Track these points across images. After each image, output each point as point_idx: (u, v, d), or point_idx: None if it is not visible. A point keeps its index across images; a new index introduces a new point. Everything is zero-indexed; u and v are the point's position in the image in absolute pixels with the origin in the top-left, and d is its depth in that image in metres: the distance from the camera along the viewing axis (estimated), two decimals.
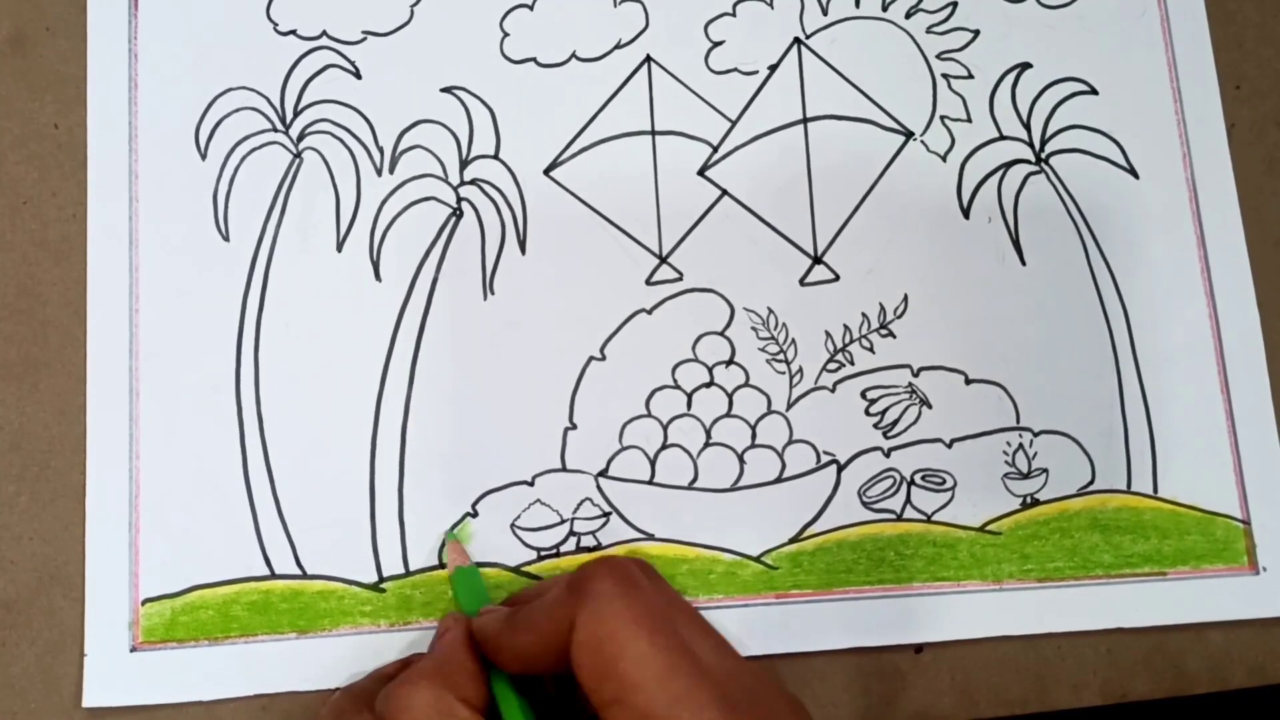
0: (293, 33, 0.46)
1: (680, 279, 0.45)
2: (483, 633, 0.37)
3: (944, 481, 0.45)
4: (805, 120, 0.47)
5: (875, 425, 0.45)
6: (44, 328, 0.44)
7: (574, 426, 0.44)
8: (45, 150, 0.45)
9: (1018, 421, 0.45)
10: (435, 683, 0.35)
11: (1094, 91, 0.48)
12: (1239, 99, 0.48)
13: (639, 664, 0.31)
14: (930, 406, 0.45)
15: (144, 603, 0.42)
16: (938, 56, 0.47)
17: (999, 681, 0.44)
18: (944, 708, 0.44)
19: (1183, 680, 0.44)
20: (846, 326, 0.45)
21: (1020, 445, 0.45)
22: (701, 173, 0.46)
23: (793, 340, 0.45)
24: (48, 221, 0.44)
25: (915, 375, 0.45)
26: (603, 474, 0.44)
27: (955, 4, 0.48)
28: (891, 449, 0.45)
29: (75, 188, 0.45)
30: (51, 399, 0.43)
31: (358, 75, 0.46)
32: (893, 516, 0.44)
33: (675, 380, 0.45)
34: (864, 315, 0.46)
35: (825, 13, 0.47)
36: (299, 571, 0.43)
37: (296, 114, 0.46)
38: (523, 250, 0.45)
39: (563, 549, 0.43)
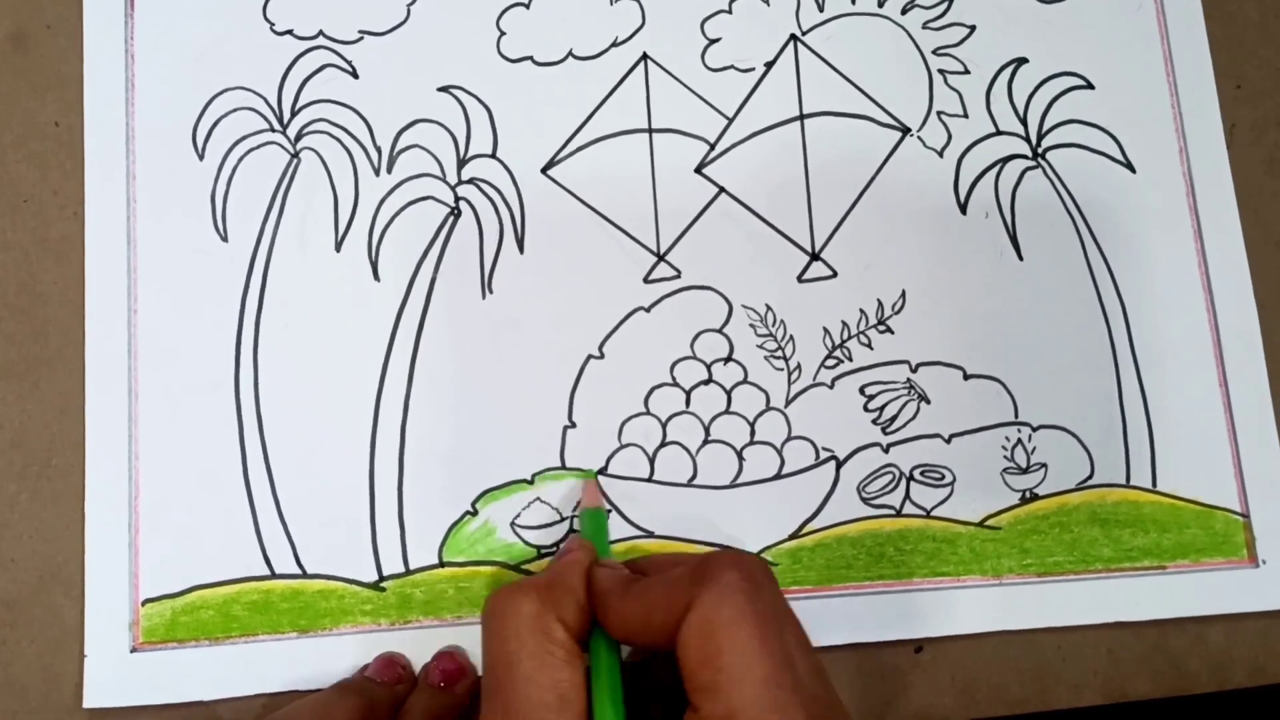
0: (289, 33, 0.46)
1: (678, 276, 0.46)
2: (597, 585, 0.36)
3: (943, 477, 0.45)
4: (802, 117, 0.47)
5: (874, 421, 0.45)
6: (45, 326, 0.44)
7: (573, 425, 0.44)
8: (46, 149, 0.45)
9: (1016, 416, 0.45)
10: (543, 597, 0.35)
11: (1090, 86, 0.48)
12: (1239, 99, 0.48)
13: (743, 660, 0.31)
14: (929, 402, 0.45)
15: (144, 603, 0.42)
16: (934, 52, 0.48)
17: (999, 681, 0.44)
18: (944, 707, 0.44)
19: (1183, 680, 0.44)
20: (844, 323, 0.46)
21: (1019, 440, 0.45)
22: (699, 170, 0.46)
23: (791, 337, 0.45)
24: (49, 220, 0.44)
25: (913, 371, 0.45)
26: (602, 472, 0.44)
27: None
28: (890, 445, 0.45)
29: (76, 186, 0.45)
30: (52, 397, 0.43)
31: (355, 75, 0.46)
32: (892, 512, 0.44)
33: (674, 378, 0.45)
34: (862, 311, 0.46)
35: (821, 9, 0.48)
36: (299, 571, 0.43)
37: (294, 114, 0.46)
38: (521, 249, 0.45)
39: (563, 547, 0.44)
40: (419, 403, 0.44)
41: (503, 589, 0.36)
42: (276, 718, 0.38)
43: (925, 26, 0.48)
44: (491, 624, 0.35)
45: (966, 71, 0.47)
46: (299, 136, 0.45)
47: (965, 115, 0.47)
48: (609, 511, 0.43)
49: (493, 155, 0.46)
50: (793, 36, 0.47)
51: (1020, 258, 0.46)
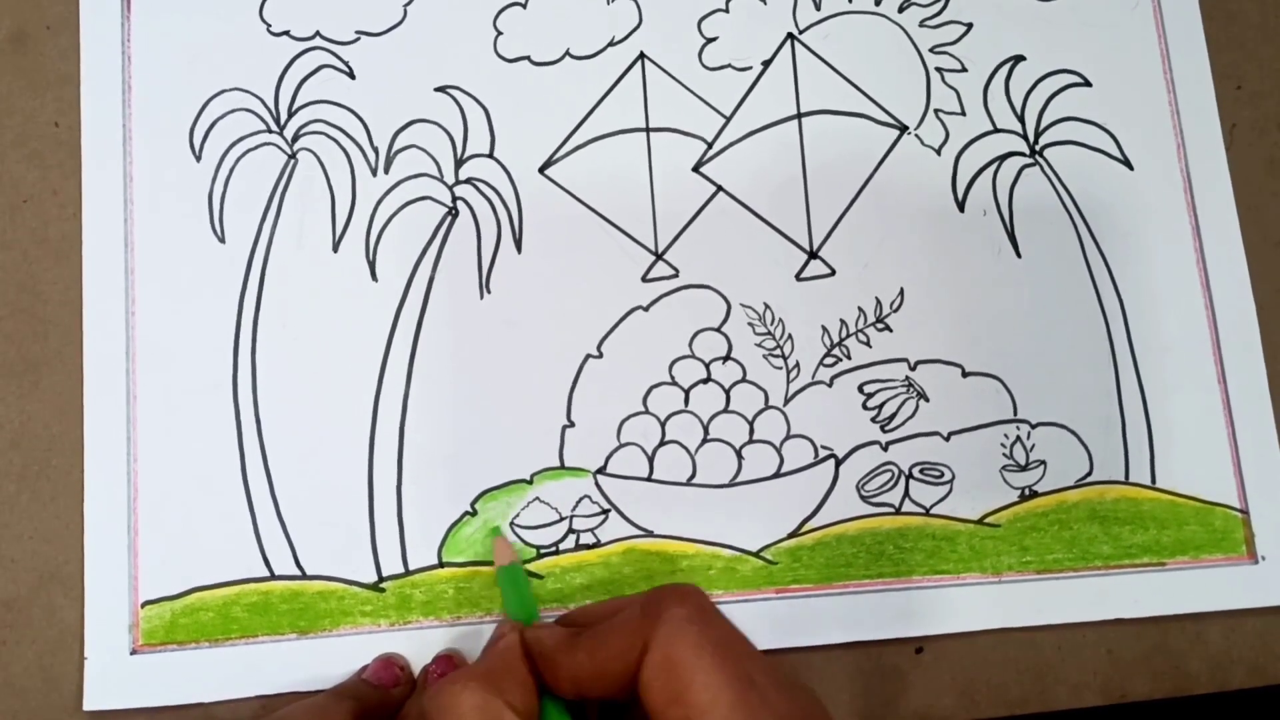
0: (286, 34, 0.46)
1: (676, 275, 0.45)
2: (539, 647, 0.36)
3: (942, 474, 0.45)
4: (799, 115, 0.47)
5: (873, 419, 0.45)
6: (44, 326, 0.44)
7: (572, 424, 0.44)
8: (46, 148, 0.45)
9: (1015, 414, 0.45)
10: (485, 686, 0.34)
11: (1088, 84, 0.48)
12: (1240, 99, 0.48)
13: (710, 690, 0.31)
14: (927, 400, 0.45)
15: (144, 605, 0.42)
16: (931, 50, 0.48)
17: (999, 681, 0.44)
18: (944, 708, 0.44)
19: (1183, 680, 0.44)
20: (843, 321, 0.46)
21: (1018, 437, 0.45)
22: (696, 169, 0.46)
23: (789, 335, 0.45)
24: (48, 220, 0.44)
25: (912, 369, 0.45)
26: (601, 471, 0.44)
27: None
28: (889, 442, 0.45)
29: (75, 186, 0.45)
30: (52, 397, 0.43)
31: (352, 75, 0.46)
32: (891, 510, 0.44)
33: (672, 377, 0.45)
34: (860, 309, 0.46)
35: (818, 8, 0.48)
36: (298, 572, 0.43)
37: (291, 115, 0.46)
38: (519, 249, 0.45)
39: (562, 546, 0.44)
40: (417, 403, 0.44)
41: (444, 682, 0.35)
42: None
43: (922, 24, 0.48)
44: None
45: (964, 69, 0.47)
46: (296, 137, 0.45)
47: (963, 113, 0.47)
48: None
49: (490, 155, 0.46)
50: (790, 35, 0.47)
51: (1018, 255, 0.46)
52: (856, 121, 0.47)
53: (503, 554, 0.42)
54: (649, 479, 0.44)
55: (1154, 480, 0.45)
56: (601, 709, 0.37)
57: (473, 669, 0.36)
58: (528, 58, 0.47)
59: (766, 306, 0.45)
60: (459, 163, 0.46)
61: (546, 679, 0.35)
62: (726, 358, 0.45)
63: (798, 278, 0.46)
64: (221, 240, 0.45)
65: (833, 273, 0.46)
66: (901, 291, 0.46)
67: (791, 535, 0.44)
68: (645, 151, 0.46)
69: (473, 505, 0.44)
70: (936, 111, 0.47)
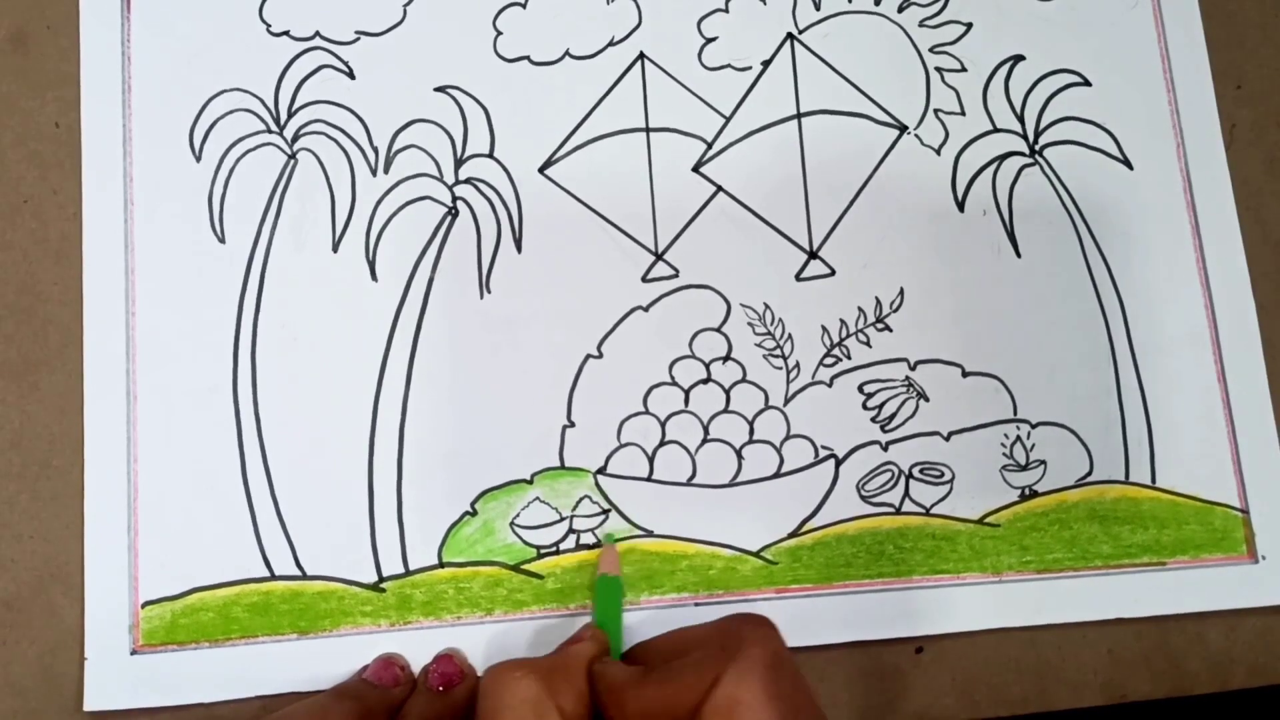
0: (286, 34, 0.46)
1: (676, 276, 0.45)
2: (609, 681, 0.35)
3: (942, 474, 0.45)
4: (799, 115, 0.47)
5: (873, 419, 0.45)
6: (44, 326, 0.44)
7: (572, 424, 0.44)
8: (46, 149, 0.45)
9: (1015, 413, 0.45)
10: (542, 681, 0.34)
11: (1087, 83, 0.48)
12: (1240, 99, 0.48)
13: None
14: (927, 400, 0.45)
15: (144, 605, 0.42)
16: (930, 50, 0.48)
17: (999, 681, 0.44)
18: (944, 708, 0.44)
19: (1183, 680, 0.44)
20: (843, 321, 0.46)
21: (1018, 437, 0.45)
22: (696, 169, 0.46)
23: (789, 335, 0.45)
24: (48, 220, 0.44)
25: (912, 369, 0.45)
26: (601, 471, 0.44)
27: None
28: (889, 442, 0.45)
29: (76, 186, 0.45)
30: (52, 397, 0.43)
31: (351, 75, 0.46)
32: (891, 510, 0.44)
33: (672, 377, 0.45)
34: (860, 309, 0.46)
35: (818, 8, 0.48)
36: (298, 572, 0.43)
37: (291, 115, 0.46)
38: (518, 249, 0.45)
39: (562, 546, 0.43)
40: (417, 403, 0.44)
41: (504, 665, 0.35)
42: None
43: (922, 24, 0.48)
44: (488, 700, 0.34)
45: (963, 69, 0.48)
46: (296, 137, 0.45)
47: (962, 113, 0.47)
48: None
49: (490, 155, 0.46)
50: (789, 35, 0.47)
51: (1018, 255, 0.46)
52: (856, 121, 0.47)
53: (608, 564, 0.42)
54: (649, 479, 0.44)
55: (1154, 480, 0.45)
56: None
57: (537, 662, 0.36)
58: (527, 58, 0.47)
59: (766, 306, 0.45)
60: (459, 163, 0.46)
61: (612, 714, 0.35)
62: (726, 358, 0.45)
63: (797, 278, 0.46)
64: (221, 240, 0.45)
65: (832, 273, 0.46)
66: (901, 291, 0.46)
67: (791, 535, 0.44)
68: (645, 151, 0.46)
69: (473, 505, 0.44)
70: (936, 111, 0.47)
